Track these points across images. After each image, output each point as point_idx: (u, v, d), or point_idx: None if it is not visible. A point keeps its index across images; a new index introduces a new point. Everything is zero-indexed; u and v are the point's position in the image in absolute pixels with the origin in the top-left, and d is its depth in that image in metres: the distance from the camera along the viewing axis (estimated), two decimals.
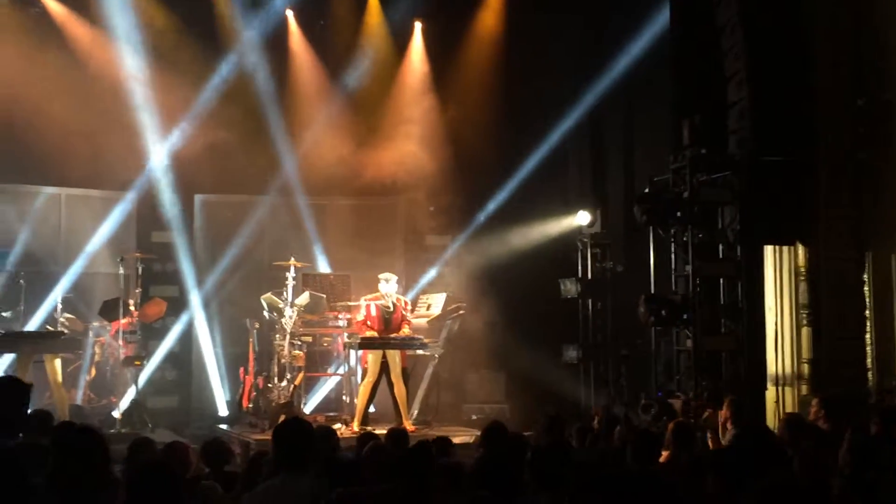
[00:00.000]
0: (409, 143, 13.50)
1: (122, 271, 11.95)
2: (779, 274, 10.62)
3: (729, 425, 7.67)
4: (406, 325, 11.26)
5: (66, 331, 11.59)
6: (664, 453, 6.45)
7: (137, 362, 11.83)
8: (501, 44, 13.78)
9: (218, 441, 6.57)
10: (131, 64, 12.68)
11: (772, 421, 10.03)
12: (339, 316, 12.23)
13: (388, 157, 13.40)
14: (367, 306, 11.12)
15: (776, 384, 10.47)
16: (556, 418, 6.94)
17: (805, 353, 10.46)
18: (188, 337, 13.46)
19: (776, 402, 10.37)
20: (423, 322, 12.14)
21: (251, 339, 12.14)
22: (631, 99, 13.33)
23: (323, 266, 13.67)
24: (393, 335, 11.10)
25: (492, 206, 13.86)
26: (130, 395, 11.79)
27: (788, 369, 10.47)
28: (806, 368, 10.44)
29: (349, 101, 13.70)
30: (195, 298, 13.43)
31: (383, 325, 11.12)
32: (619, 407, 10.83)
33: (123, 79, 12.64)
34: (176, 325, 13.40)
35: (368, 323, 11.13)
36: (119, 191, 13.31)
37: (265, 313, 11.71)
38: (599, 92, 13.16)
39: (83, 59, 12.57)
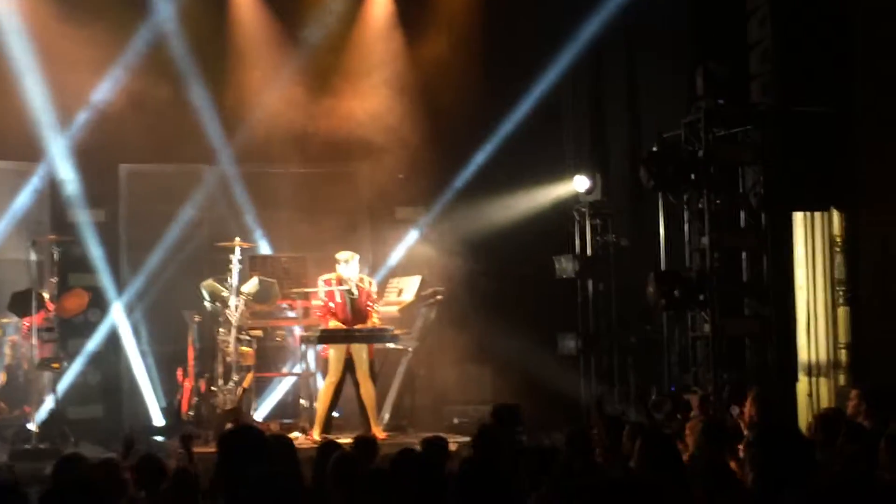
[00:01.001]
0: (374, 97, 13.49)
1: (34, 257, 11.88)
2: (811, 245, 10.72)
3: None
4: (373, 314, 11.28)
5: None
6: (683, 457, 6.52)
7: (55, 365, 11.79)
8: None
9: (152, 458, 6.59)
10: (37, 6, 12.58)
11: (805, 417, 10.15)
12: (295, 305, 12.22)
13: (350, 113, 13.38)
14: (330, 293, 11.12)
15: (809, 374, 10.59)
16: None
17: (842, 338, 10.57)
18: (115, 334, 13.43)
19: (809, 396, 10.49)
20: (393, 310, 12.17)
21: (190, 335, 12.14)
22: (635, 40, 13.35)
23: (274, 246, 13.66)
24: (358, 326, 11.12)
25: (471, 169, 13.87)
26: (48, 404, 11.76)
27: (823, 356, 10.59)
28: (843, 355, 10.56)
29: (302, 48, 13.66)
30: (123, 288, 13.39)
31: (350, 313, 11.13)
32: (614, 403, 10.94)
33: (26, 23, 12.53)
34: (100, 321, 13.36)
35: (331, 305, 11.07)
36: (28, 161, 13.22)
37: (206, 303, 11.70)
38: (598, 31, 13.15)
39: None
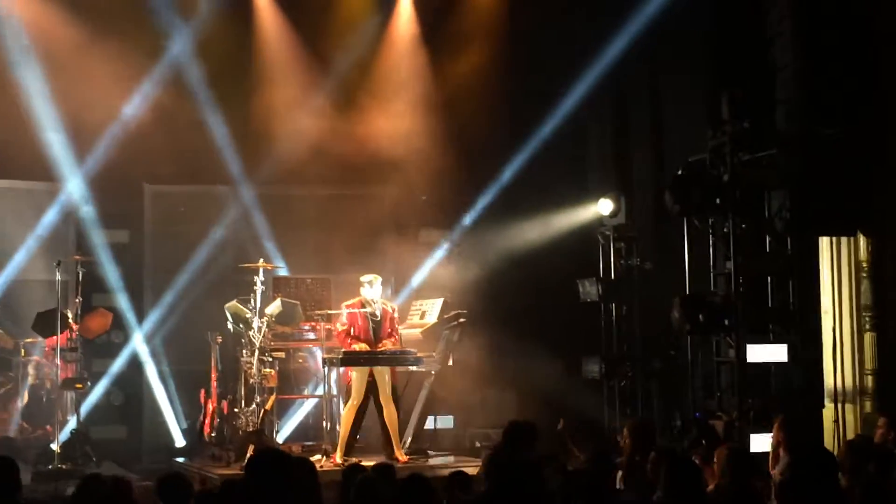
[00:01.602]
0: (397, 119, 13.53)
1: (58, 277, 11.92)
2: (837, 270, 10.66)
3: (782, 451, 7.69)
4: (395, 336, 11.28)
5: None
6: (710, 485, 6.48)
7: (79, 385, 11.83)
8: None
9: (177, 475, 6.58)
10: (62, 27, 12.68)
11: (830, 444, 10.08)
12: (317, 327, 12.24)
13: (373, 135, 13.42)
14: (352, 315, 11.13)
15: (835, 400, 10.52)
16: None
17: (869, 364, 10.49)
18: (138, 355, 13.47)
19: (835, 422, 10.41)
20: (416, 333, 12.16)
21: (213, 356, 12.16)
22: (659, 64, 13.35)
23: (297, 269, 13.68)
24: (381, 349, 11.12)
25: (495, 192, 13.88)
26: (71, 424, 11.80)
27: (849, 382, 10.52)
28: (870, 381, 10.48)
29: (326, 69, 13.72)
30: (146, 309, 13.44)
31: (372, 336, 11.13)
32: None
33: (53, 45, 12.63)
34: (124, 342, 13.40)
35: (352, 331, 11.10)
36: (52, 181, 13.30)
37: (229, 325, 11.70)
38: (622, 54, 13.15)
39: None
